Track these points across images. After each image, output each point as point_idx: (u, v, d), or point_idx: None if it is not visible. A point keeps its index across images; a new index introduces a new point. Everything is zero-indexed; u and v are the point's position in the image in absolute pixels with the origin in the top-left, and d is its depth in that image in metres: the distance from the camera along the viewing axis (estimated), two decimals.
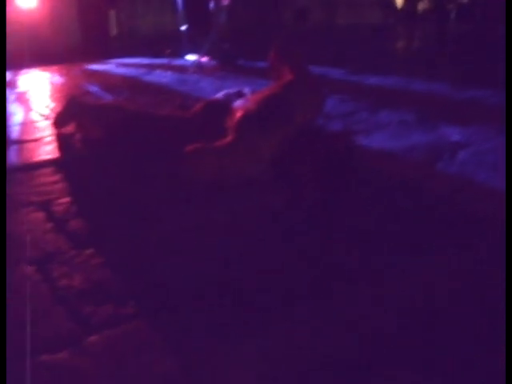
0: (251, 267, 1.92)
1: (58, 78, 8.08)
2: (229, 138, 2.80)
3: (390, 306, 1.65)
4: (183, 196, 2.70)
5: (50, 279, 1.91)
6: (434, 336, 1.49)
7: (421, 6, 14.87)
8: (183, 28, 8.47)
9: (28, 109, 5.45)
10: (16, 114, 5.19)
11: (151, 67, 8.52)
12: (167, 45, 9.39)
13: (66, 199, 2.71)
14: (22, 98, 6.22)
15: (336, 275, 1.84)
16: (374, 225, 2.25)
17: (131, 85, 6.85)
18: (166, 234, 2.24)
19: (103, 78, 7.62)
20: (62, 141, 3.86)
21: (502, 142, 3.44)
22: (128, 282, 1.87)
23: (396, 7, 15.35)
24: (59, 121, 3.92)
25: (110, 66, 9.20)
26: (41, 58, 9.71)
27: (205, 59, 8.17)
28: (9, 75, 8.65)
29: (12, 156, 3.66)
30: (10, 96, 6.44)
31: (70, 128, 3.90)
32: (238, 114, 2.91)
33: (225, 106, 3.25)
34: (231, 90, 3.58)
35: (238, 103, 3.09)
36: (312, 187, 2.58)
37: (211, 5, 8.19)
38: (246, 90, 3.59)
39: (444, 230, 2.18)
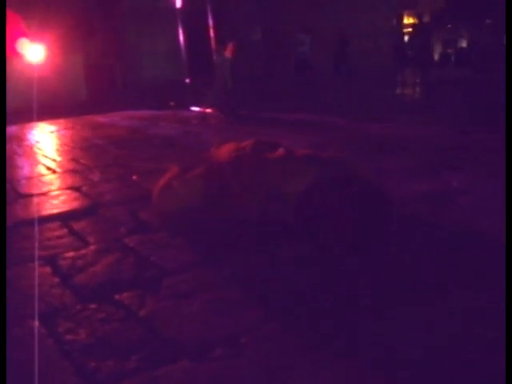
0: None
1: (64, 132, 8.23)
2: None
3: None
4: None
5: (55, 334, 1.94)
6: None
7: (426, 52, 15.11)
8: (187, 80, 8.66)
9: (35, 162, 5.55)
10: (23, 168, 5.28)
11: (156, 119, 8.67)
12: (171, 97, 9.57)
13: (72, 253, 2.75)
14: (29, 152, 6.33)
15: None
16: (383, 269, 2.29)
17: (136, 137, 6.97)
18: (173, 289, 2.28)
19: (109, 131, 7.76)
20: None
21: (501, 187, 3.48)
22: (131, 336, 1.89)
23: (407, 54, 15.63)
24: None
25: (116, 119, 9.36)
26: (48, 111, 9.89)
27: (208, 110, 8.31)
28: (16, 129, 8.81)
29: (19, 210, 3.71)
30: (18, 149, 6.55)
31: None
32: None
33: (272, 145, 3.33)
34: (263, 140, 3.61)
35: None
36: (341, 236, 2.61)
37: (214, 57, 8.39)
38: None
39: (443, 273, 2.22)
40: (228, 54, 8.06)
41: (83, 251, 2.79)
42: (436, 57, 21.42)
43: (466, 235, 2.75)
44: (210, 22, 8.09)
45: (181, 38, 8.62)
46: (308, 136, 5.83)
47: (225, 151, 3.42)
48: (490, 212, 3.05)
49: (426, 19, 25.36)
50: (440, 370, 1.60)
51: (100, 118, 9.58)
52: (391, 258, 2.50)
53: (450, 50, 27.21)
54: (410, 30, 25.79)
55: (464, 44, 24.50)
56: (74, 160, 5.46)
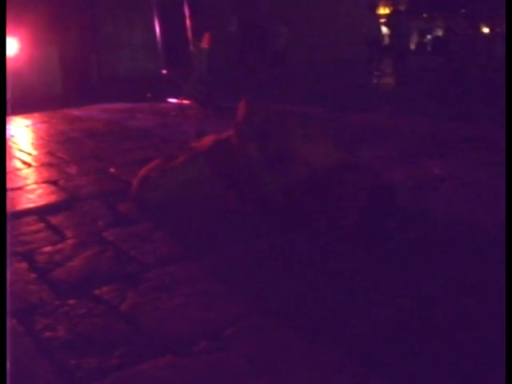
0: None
1: (39, 125, 8.09)
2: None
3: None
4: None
5: (33, 331, 1.88)
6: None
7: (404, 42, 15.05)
8: (164, 71, 8.55)
9: (10, 156, 5.43)
10: None
11: (133, 111, 8.55)
12: (148, 88, 9.45)
13: (49, 248, 2.68)
14: None
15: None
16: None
17: (114, 130, 6.87)
18: (153, 282, 2.23)
19: (85, 124, 7.63)
20: None
21: (481, 175, 3.49)
22: (112, 331, 1.84)
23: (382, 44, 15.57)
24: None
25: (92, 112, 9.22)
26: (22, 105, 9.70)
27: (186, 102, 8.22)
28: None
29: None
30: None
31: None
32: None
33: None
34: None
35: None
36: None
37: (191, 48, 8.29)
38: None
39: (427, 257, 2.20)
40: (204, 44, 7.97)
41: (60, 246, 2.72)
42: (412, 46, 21.47)
43: (447, 219, 2.74)
44: (187, 12, 7.99)
45: (157, 29, 8.48)
46: None
47: (209, 141, 3.34)
48: (470, 199, 3.05)
49: (401, 8, 25.41)
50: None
51: (76, 112, 9.42)
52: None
53: (426, 39, 27.33)
54: (385, 19, 25.86)
55: (440, 33, 24.62)
56: (50, 153, 5.35)
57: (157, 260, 2.45)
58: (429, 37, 29.01)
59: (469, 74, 11.14)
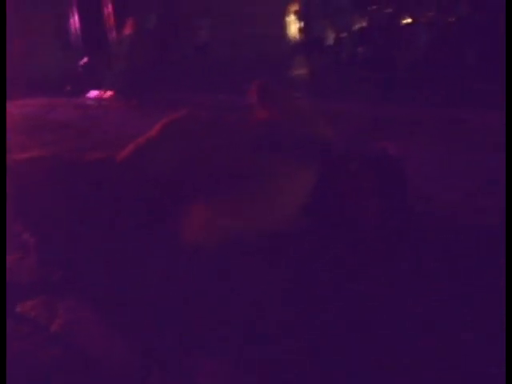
0: None
1: None
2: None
3: None
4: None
5: None
6: None
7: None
8: (84, 60, 7.98)
9: None
10: None
11: (51, 106, 7.95)
12: (66, 82, 8.84)
13: None
14: None
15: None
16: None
17: (31, 124, 6.32)
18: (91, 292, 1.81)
19: None
20: None
21: (431, 154, 3.34)
22: (44, 359, 1.42)
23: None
24: None
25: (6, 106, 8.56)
26: None
27: (107, 93, 7.70)
28: None
29: None
30: None
31: None
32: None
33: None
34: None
35: None
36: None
37: (113, 35, 7.77)
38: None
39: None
40: (127, 30, 7.46)
41: None
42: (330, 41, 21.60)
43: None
44: None
45: (76, 17, 7.92)
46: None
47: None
48: (429, 177, 2.86)
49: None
50: None
51: None
52: None
53: (342, 34, 27.66)
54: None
55: (359, 26, 25.01)
56: None
57: (89, 264, 2.02)
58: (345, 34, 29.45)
59: (393, 62, 11.21)
